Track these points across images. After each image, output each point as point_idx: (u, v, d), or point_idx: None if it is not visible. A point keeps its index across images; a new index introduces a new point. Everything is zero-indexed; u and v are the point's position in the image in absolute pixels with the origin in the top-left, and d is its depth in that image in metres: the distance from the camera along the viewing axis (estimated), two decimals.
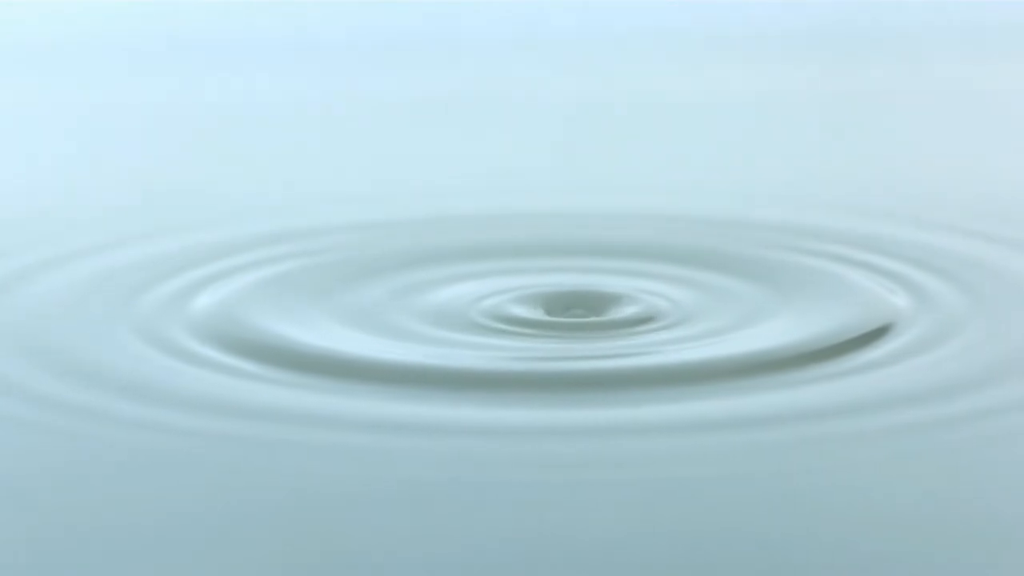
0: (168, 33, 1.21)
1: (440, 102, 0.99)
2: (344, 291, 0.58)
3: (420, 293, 0.57)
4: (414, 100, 1.00)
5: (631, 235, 0.65)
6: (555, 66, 1.11)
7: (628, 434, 0.45)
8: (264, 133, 0.92)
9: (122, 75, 1.09)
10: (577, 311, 0.55)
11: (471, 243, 0.64)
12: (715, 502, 0.41)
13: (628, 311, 0.55)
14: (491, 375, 0.49)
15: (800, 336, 0.52)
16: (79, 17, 1.25)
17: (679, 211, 0.69)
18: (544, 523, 0.39)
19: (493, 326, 0.54)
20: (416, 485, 0.42)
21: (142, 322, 0.54)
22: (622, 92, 1.02)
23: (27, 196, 0.77)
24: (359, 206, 0.72)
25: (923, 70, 1.08)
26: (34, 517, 0.41)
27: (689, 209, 0.70)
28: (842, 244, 0.63)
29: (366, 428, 0.45)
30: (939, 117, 0.95)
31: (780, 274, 0.59)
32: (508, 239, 0.64)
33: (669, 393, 0.48)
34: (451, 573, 0.37)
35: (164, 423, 0.46)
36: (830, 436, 0.45)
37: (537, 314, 0.55)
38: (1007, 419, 0.46)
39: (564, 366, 0.50)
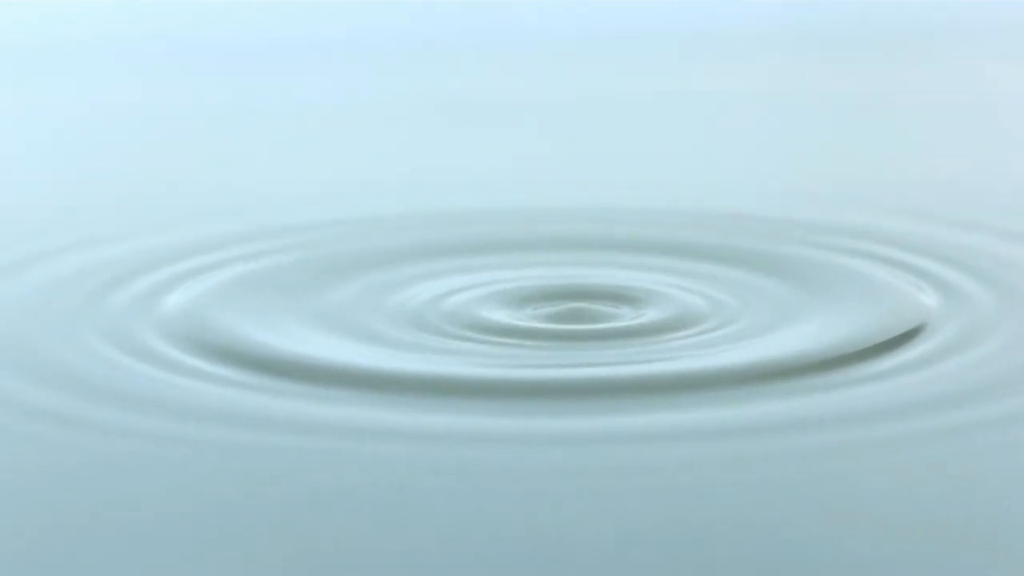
0: (168, 33, 1.21)
1: (442, 101, 0.99)
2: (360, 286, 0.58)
3: (422, 292, 0.57)
4: (417, 100, 1.00)
5: (642, 233, 0.64)
6: (561, 66, 1.11)
7: (649, 441, 0.44)
8: (265, 133, 0.92)
9: (120, 75, 1.09)
10: (597, 311, 0.55)
11: (475, 241, 0.63)
12: (736, 507, 0.40)
13: (649, 312, 0.54)
14: (527, 382, 0.48)
15: (827, 339, 0.51)
16: (79, 17, 1.25)
17: (690, 208, 0.69)
18: (556, 529, 0.39)
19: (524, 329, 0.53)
20: (415, 492, 0.41)
21: (123, 323, 0.54)
22: (632, 91, 1.02)
23: (20, 194, 0.77)
24: (364, 203, 0.72)
25: (941, 69, 1.08)
26: (11, 523, 0.40)
27: (699, 206, 0.69)
28: (866, 240, 0.62)
29: (386, 436, 0.45)
30: (956, 116, 0.95)
31: (807, 272, 0.58)
32: (530, 236, 0.64)
33: (688, 399, 0.47)
34: None
35: (138, 428, 0.45)
36: (853, 441, 0.44)
37: (566, 316, 0.54)
38: None
39: (581, 372, 0.49)
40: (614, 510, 0.40)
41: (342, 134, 0.92)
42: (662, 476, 0.42)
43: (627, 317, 0.54)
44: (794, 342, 0.51)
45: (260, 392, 0.47)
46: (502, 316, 0.54)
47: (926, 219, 0.66)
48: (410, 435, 0.44)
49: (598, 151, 0.86)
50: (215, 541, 0.38)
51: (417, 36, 1.19)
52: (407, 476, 0.42)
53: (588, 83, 1.05)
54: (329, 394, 0.47)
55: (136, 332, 0.52)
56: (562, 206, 0.70)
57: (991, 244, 0.62)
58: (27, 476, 0.42)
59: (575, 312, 0.55)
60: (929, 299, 0.55)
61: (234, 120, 0.97)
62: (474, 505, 0.40)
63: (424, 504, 0.40)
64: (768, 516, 0.39)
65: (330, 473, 0.42)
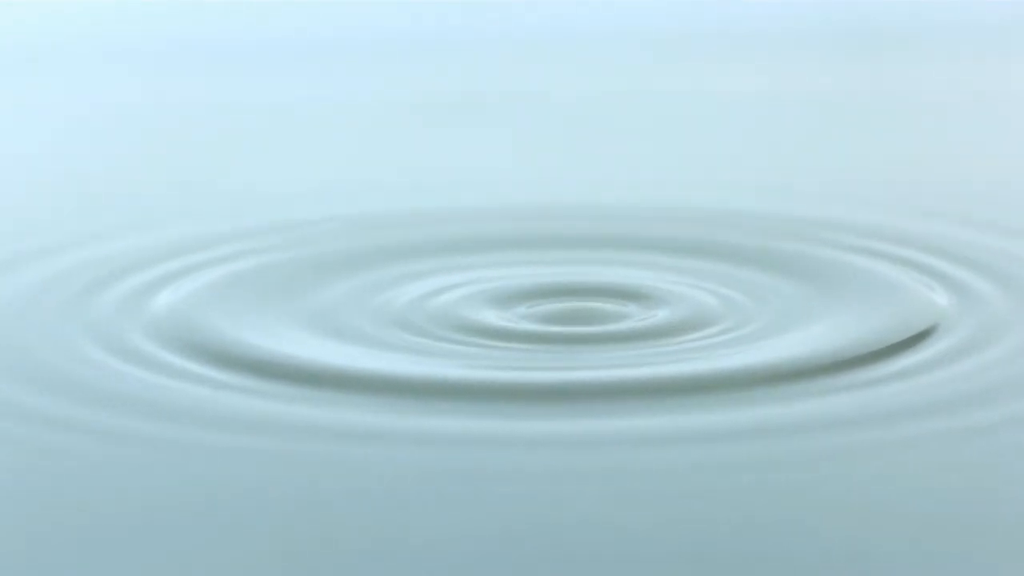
0: (168, 33, 1.21)
1: (443, 101, 0.99)
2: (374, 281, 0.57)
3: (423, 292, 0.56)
4: (422, 99, 1.00)
5: (647, 231, 0.64)
6: (561, 65, 1.11)
7: (661, 443, 0.44)
8: (262, 132, 0.92)
9: (118, 75, 1.09)
10: (606, 312, 0.54)
11: (479, 239, 0.63)
12: (751, 510, 0.40)
13: (659, 313, 0.54)
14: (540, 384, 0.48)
15: (840, 340, 0.50)
16: (79, 17, 1.26)
17: (695, 206, 0.69)
18: (567, 533, 0.39)
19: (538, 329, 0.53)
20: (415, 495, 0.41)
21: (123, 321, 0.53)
22: (636, 90, 1.02)
23: (15, 193, 0.77)
24: (361, 202, 0.72)
25: (951, 67, 1.08)
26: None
27: (705, 204, 0.69)
28: (875, 239, 0.62)
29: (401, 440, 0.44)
30: (965, 114, 0.95)
31: (817, 271, 0.58)
32: (543, 233, 0.64)
33: (701, 401, 0.46)
34: None
35: (126, 431, 0.45)
36: (868, 443, 0.44)
37: (576, 317, 0.54)
38: None
39: (597, 375, 0.49)
40: (628, 514, 0.39)
41: (341, 133, 0.92)
42: (674, 479, 0.42)
43: (637, 317, 0.54)
44: (805, 344, 0.50)
45: (251, 395, 0.47)
46: (511, 317, 0.54)
47: (937, 218, 0.66)
48: (410, 439, 0.44)
49: (603, 150, 0.85)
50: (206, 546, 0.38)
51: (414, 36, 1.19)
52: (410, 480, 0.42)
53: (590, 82, 1.05)
54: (348, 399, 0.47)
55: (124, 333, 0.52)
56: (568, 204, 0.69)
57: (1002, 243, 0.61)
58: (17, 479, 0.42)
59: (584, 313, 0.54)
60: (941, 298, 0.55)
61: (230, 119, 0.97)
62: (481, 509, 0.40)
63: (427, 508, 0.40)
64: (783, 518, 0.39)
65: (335, 477, 0.42)
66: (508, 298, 0.56)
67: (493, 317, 0.54)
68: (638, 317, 0.54)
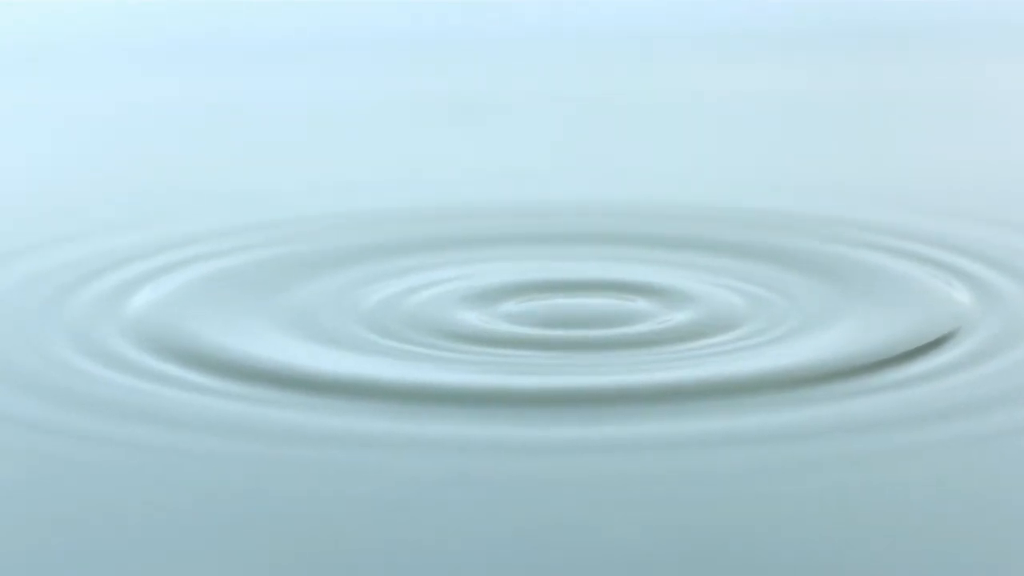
0: (167, 33, 1.21)
1: (447, 100, 0.99)
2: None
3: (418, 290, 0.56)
4: (416, 99, 1.00)
5: (652, 230, 0.63)
6: (563, 65, 1.11)
7: (677, 448, 0.44)
8: (260, 131, 0.92)
9: (116, 75, 1.09)
10: (634, 312, 0.54)
11: (480, 235, 0.63)
12: (770, 515, 0.39)
13: (680, 314, 0.53)
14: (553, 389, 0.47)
15: (861, 342, 0.50)
16: (78, 17, 1.26)
17: (711, 204, 0.69)
18: (591, 538, 0.38)
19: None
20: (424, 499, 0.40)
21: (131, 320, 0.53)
22: (647, 90, 1.02)
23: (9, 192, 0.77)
24: (363, 201, 0.72)
25: (964, 67, 1.08)
26: None
27: (715, 202, 0.69)
28: (887, 236, 0.61)
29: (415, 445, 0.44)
30: (978, 113, 0.95)
31: (833, 270, 0.57)
32: (561, 232, 0.63)
33: (720, 405, 0.46)
34: None
35: (111, 435, 0.44)
36: (888, 447, 0.43)
37: (594, 318, 0.53)
38: None
39: (612, 380, 0.48)
40: (637, 518, 0.39)
41: (340, 133, 0.92)
42: (689, 484, 0.41)
43: (658, 318, 0.53)
44: (825, 347, 0.50)
45: (241, 399, 0.46)
46: (530, 316, 0.53)
47: (951, 217, 0.65)
48: (409, 445, 0.44)
49: (604, 149, 0.85)
50: (198, 549, 0.38)
51: (413, 36, 1.19)
52: (411, 486, 0.41)
53: (595, 82, 1.05)
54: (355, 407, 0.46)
55: (104, 336, 0.51)
56: (581, 203, 0.69)
57: (1018, 241, 0.61)
58: (7, 482, 0.42)
59: (603, 313, 0.54)
60: (962, 297, 0.54)
61: (229, 118, 0.97)
62: (491, 516, 0.40)
63: (426, 512, 0.40)
64: (801, 522, 0.39)
65: (332, 480, 0.41)
66: (507, 296, 0.55)
67: (483, 318, 0.53)
68: (659, 318, 0.53)
